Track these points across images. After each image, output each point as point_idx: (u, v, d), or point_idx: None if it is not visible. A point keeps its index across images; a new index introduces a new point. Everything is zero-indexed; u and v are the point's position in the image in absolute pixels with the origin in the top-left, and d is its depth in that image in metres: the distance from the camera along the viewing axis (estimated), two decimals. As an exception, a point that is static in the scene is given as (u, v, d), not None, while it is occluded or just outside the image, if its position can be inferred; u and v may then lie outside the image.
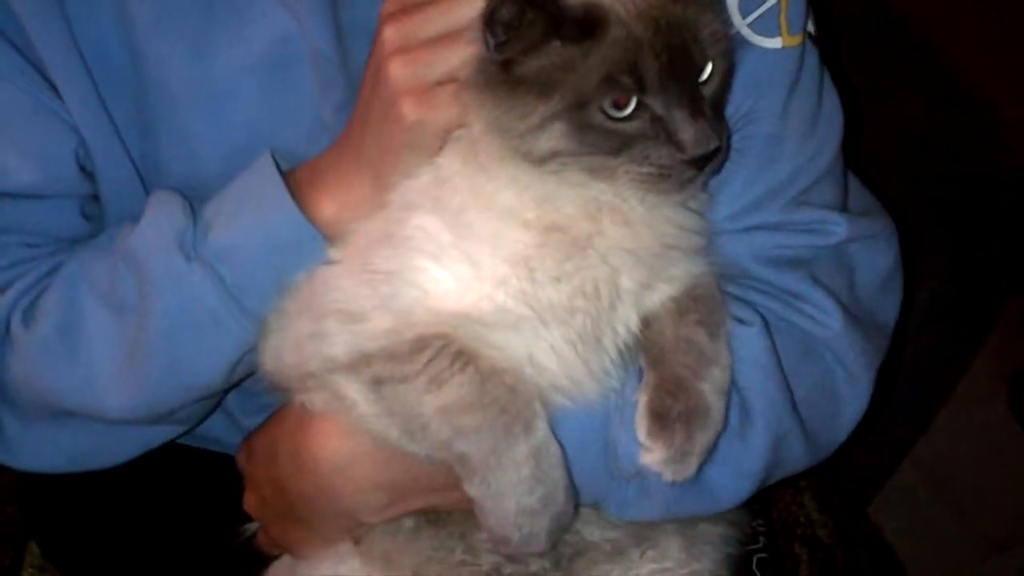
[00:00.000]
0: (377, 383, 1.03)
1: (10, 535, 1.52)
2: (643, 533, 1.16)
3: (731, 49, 1.04)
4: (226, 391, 1.27)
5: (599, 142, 0.98)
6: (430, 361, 1.02)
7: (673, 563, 1.16)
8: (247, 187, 1.12)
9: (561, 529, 1.06)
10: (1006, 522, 2.51)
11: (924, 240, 1.58)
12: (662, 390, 1.07)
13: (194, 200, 1.16)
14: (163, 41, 1.17)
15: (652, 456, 1.06)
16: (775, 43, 1.16)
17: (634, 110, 0.97)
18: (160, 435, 1.25)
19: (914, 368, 1.75)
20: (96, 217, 1.24)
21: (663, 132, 0.97)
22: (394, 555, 1.14)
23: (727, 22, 1.04)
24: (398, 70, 1.02)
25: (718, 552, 1.20)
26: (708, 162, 0.99)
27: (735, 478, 1.13)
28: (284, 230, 1.09)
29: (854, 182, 1.29)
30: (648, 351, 1.09)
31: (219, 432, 1.36)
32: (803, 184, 1.19)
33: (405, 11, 1.03)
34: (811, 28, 1.21)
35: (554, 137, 0.98)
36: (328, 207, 1.10)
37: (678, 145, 0.97)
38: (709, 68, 1.00)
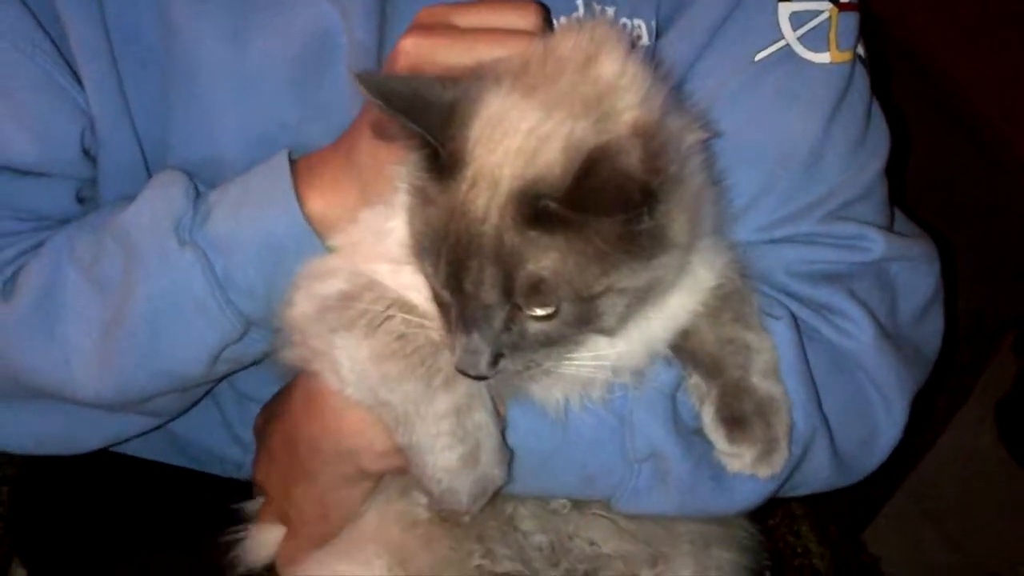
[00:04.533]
0: (332, 333, 1.04)
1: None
2: (657, 551, 1.15)
3: (581, 300, 0.95)
4: (206, 392, 1.26)
5: None
6: (370, 305, 1.03)
7: None
8: (257, 181, 1.12)
9: (486, 494, 1.05)
10: (996, 549, 2.51)
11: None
12: (727, 396, 1.07)
13: (205, 185, 1.15)
14: (201, 21, 1.16)
15: (742, 460, 1.07)
16: (823, 58, 1.16)
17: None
18: (131, 426, 1.23)
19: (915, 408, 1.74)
20: (90, 200, 1.23)
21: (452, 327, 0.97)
22: (411, 551, 1.12)
23: (592, 277, 0.93)
24: None
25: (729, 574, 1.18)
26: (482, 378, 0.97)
27: (754, 476, 1.11)
28: (283, 230, 1.09)
29: (897, 211, 1.29)
30: (698, 362, 1.08)
31: (219, 446, 1.35)
32: (842, 200, 1.18)
33: (434, 29, 1.02)
34: (861, 51, 1.20)
35: None
36: (317, 203, 1.10)
37: (454, 349, 0.97)
38: (504, 311, 0.95)
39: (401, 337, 1.02)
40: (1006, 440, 2.68)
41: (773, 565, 1.66)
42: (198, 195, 1.14)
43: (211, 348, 1.12)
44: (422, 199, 0.96)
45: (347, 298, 1.04)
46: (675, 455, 1.10)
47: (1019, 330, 2.56)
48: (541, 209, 0.90)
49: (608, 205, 0.89)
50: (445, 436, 1.02)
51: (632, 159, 0.91)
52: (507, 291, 0.92)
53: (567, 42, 0.99)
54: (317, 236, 1.09)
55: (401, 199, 1.01)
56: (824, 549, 1.70)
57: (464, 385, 1.02)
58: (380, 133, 1.01)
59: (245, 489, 1.27)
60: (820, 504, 1.77)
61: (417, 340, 1.02)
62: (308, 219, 1.09)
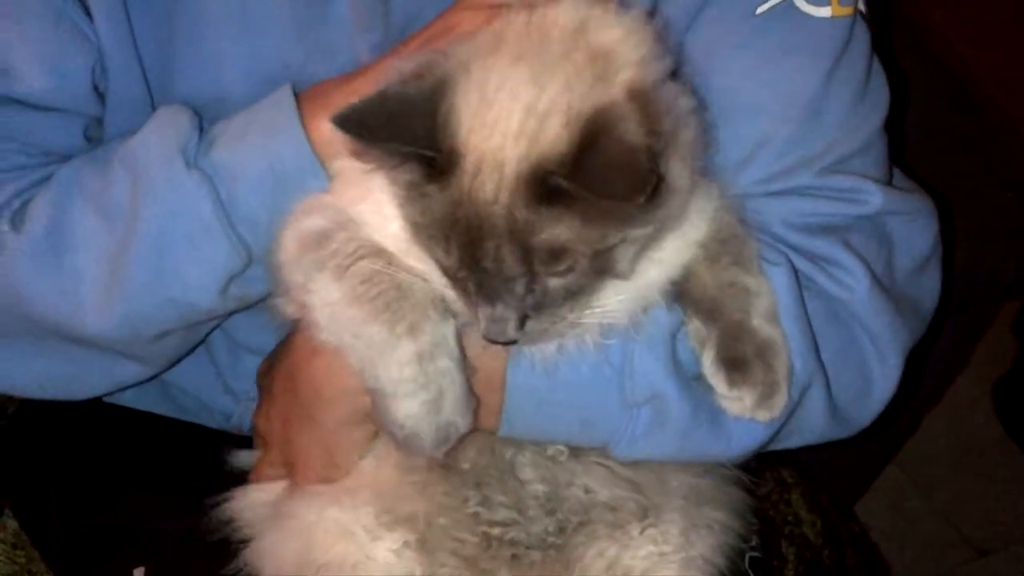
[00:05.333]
0: (307, 276, 1.04)
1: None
2: (649, 502, 1.15)
3: (596, 253, 0.97)
4: (205, 336, 1.26)
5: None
6: (340, 245, 1.03)
7: (671, 548, 1.14)
8: (261, 112, 1.12)
9: (449, 440, 1.05)
10: (988, 526, 2.53)
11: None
12: (727, 339, 1.07)
13: (210, 123, 1.15)
14: None
15: (742, 403, 1.07)
16: (824, 12, 1.15)
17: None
18: (130, 372, 1.22)
19: (909, 367, 1.74)
20: (96, 140, 1.22)
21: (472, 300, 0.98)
22: (405, 496, 1.12)
23: (607, 233, 0.96)
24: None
25: (715, 538, 1.18)
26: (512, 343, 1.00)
27: (751, 421, 1.11)
28: (287, 158, 1.09)
29: (896, 168, 1.28)
30: (698, 306, 1.09)
31: (210, 396, 1.36)
32: (840, 153, 1.18)
33: None
34: (862, 6, 1.20)
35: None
36: (326, 125, 1.07)
37: (478, 320, 0.98)
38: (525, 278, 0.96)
39: (366, 281, 1.02)
40: (1003, 420, 2.69)
41: (763, 532, 1.67)
42: (203, 128, 1.14)
43: (217, 275, 1.12)
44: (417, 194, 0.96)
45: (323, 236, 1.05)
46: (674, 398, 1.09)
47: (1019, 303, 2.57)
48: (553, 186, 0.91)
49: (621, 188, 0.90)
50: (408, 383, 1.01)
51: (631, 125, 0.91)
52: (527, 262, 0.94)
53: (554, 13, 0.98)
54: (323, 161, 1.09)
55: (383, 189, 1.01)
56: (815, 517, 1.70)
57: (429, 332, 1.02)
58: (361, 158, 1.01)
59: (233, 441, 1.28)
60: (812, 473, 1.77)
61: (381, 284, 1.02)
62: (315, 143, 1.08)
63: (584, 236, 0.94)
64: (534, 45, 0.96)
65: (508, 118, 0.92)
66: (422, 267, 1.03)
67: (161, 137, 1.11)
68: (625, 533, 1.14)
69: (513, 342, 0.99)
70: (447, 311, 1.04)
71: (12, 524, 1.44)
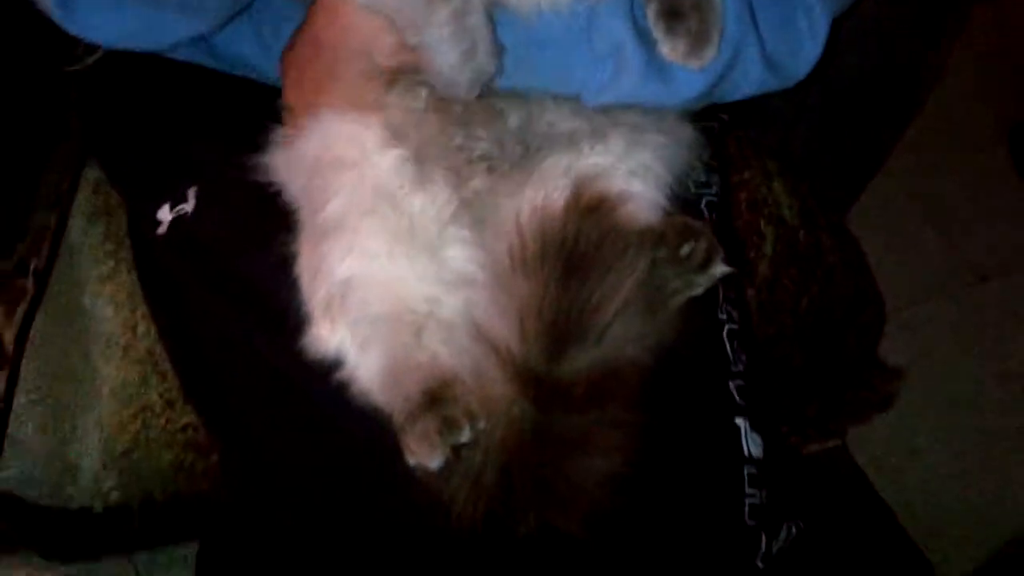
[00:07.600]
0: None
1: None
2: (598, 129, 1.35)
3: None
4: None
5: None
6: None
7: (614, 157, 1.35)
8: None
9: (480, 81, 1.26)
10: (991, 253, 2.62)
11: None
12: None
13: None
14: None
15: (676, 50, 1.27)
16: None
17: None
18: (186, 27, 1.41)
19: (883, 65, 1.88)
20: None
21: None
22: (405, 126, 1.32)
23: None
24: None
25: (660, 152, 1.37)
26: None
27: (693, 70, 1.29)
28: None
29: None
30: None
31: (253, 58, 1.51)
32: None
33: None
34: None
35: None
36: None
37: None
38: None
39: None
40: (1017, 164, 2.79)
41: (745, 209, 1.84)
42: None
43: None
44: None
45: None
46: (632, 48, 1.27)
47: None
48: None
49: None
50: (448, 39, 1.22)
51: None
52: None
53: None
54: None
55: None
56: (793, 201, 1.87)
57: None
58: None
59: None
60: (799, 170, 1.94)
61: None
62: None
63: None
64: None
65: None
66: None
67: None
68: (577, 149, 1.35)
69: None
70: None
71: (94, 173, 1.69)
